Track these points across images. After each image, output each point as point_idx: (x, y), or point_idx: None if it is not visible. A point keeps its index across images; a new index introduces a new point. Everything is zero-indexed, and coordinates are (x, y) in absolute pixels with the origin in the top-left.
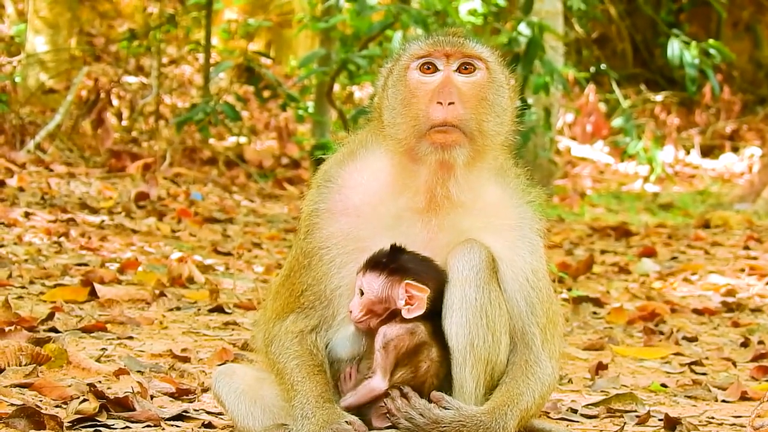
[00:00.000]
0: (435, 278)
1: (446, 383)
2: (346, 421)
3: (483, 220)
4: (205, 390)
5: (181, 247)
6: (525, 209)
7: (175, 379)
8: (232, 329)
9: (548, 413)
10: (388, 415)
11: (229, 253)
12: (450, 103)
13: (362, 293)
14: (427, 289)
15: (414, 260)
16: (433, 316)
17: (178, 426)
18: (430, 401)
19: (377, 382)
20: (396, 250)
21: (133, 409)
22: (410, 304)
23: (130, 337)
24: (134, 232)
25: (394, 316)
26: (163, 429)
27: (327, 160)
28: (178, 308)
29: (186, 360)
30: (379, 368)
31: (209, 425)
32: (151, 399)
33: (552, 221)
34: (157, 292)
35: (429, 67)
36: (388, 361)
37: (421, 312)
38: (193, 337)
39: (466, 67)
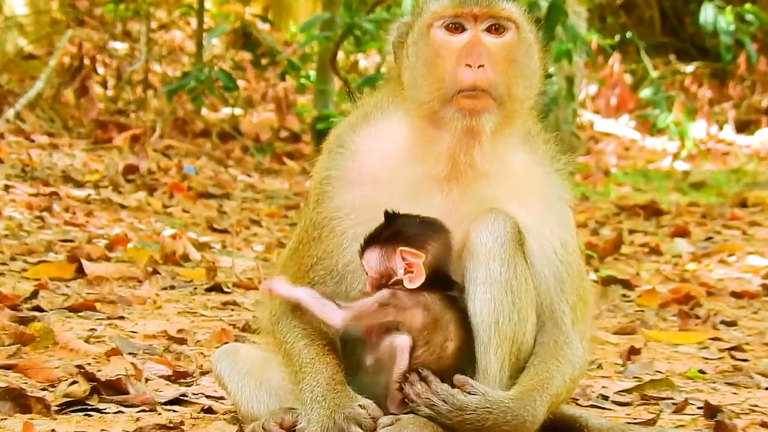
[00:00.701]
0: (435, 241)
1: (469, 368)
2: (360, 405)
3: (508, 189)
4: (204, 373)
5: (174, 224)
6: (553, 178)
7: (172, 362)
8: (232, 309)
9: (577, 400)
10: (406, 401)
11: (225, 231)
12: (480, 66)
13: (366, 272)
14: (422, 254)
15: (410, 224)
16: (449, 287)
17: (175, 411)
18: (452, 385)
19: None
20: (390, 217)
21: (127, 392)
22: (410, 272)
23: (121, 317)
24: (123, 207)
25: (401, 286)
26: (160, 414)
27: (339, 124)
28: (173, 287)
29: (182, 342)
30: (357, 304)
31: (209, 410)
32: (146, 382)
33: (576, 200)
34: (149, 269)
35: (456, 27)
36: (371, 314)
37: (421, 279)
38: (189, 318)
39: (496, 28)
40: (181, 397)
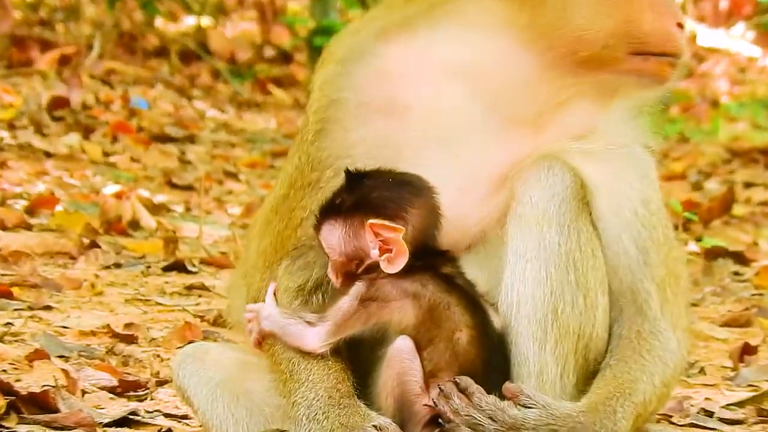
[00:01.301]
0: (417, 207)
1: (499, 376)
2: (375, 426)
3: (569, 130)
4: (161, 383)
5: (120, 178)
6: (631, 113)
7: (117, 368)
8: (199, 296)
9: (670, 417)
10: (440, 419)
11: (190, 188)
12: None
13: (327, 255)
14: (400, 227)
15: (380, 186)
16: (440, 261)
17: None
18: (501, 397)
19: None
20: (352, 179)
21: (56, 410)
22: (387, 252)
23: (48, 307)
24: (48, 155)
25: (377, 272)
26: None
27: (355, 30)
28: (118, 265)
29: (132, 340)
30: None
31: None
32: (83, 396)
33: (671, 141)
34: (85, 241)
35: None
36: (347, 317)
37: (404, 260)
38: (141, 308)
39: None
40: (131, 416)
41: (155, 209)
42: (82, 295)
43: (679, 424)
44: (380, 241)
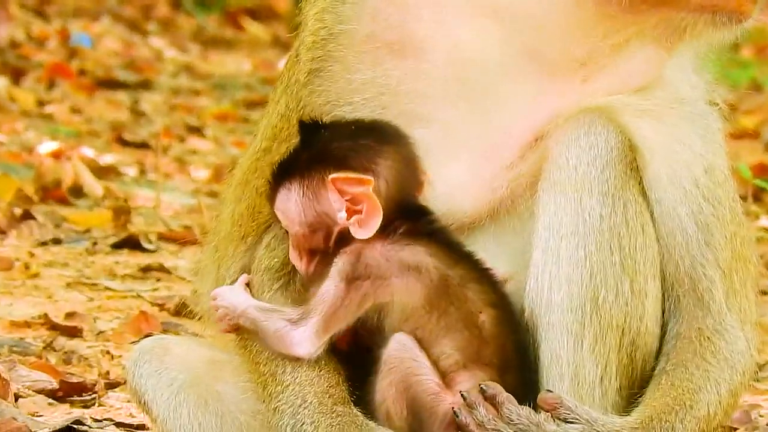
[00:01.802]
0: (387, 156)
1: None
2: None
3: (620, 81)
4: (111, 385)
5: (58, 133)
6: (683, 69)
7: (58, 367)
8: (157, 279)
9: (735, 429)
10: None
11: (145, 145)
12: None
13: (286, 230)
14: (369, 178)
15: (343, 135)
16: (427, 224)
17: None
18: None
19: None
20: (309, 130)
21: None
22: (356, 213)
23: None
24: None
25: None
26: None
27: None
28: (57, 241)
29: (75, 333)
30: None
31: None
32: (16, 400)
33: (741, 90)
34: (17, 212)
35: None
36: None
37: (378, 218)
38: (85, 294)
39: None
40: (75, 426)
41: (102, 172)
42: (14, 278)
43: None
44: (347, 200)
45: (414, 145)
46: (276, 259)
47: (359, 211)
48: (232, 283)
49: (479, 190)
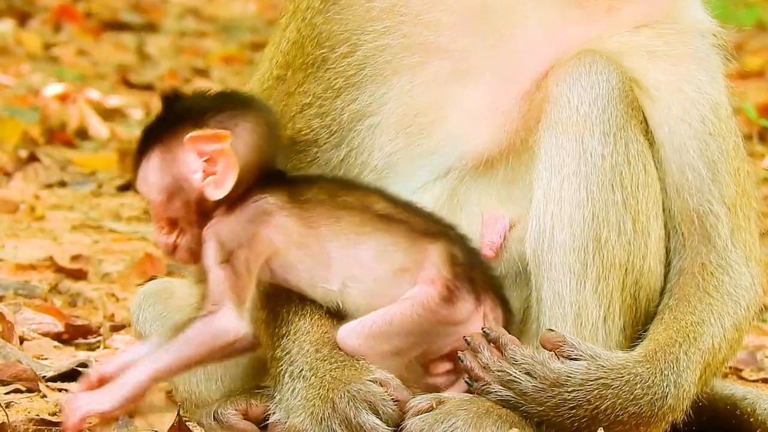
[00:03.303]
0: (245, 118)
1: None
2: (373, 380)
3: (617, 21)
4: (117, 328)
5: (64, 75)
6: (691, 5)
7: (63, 310)
8: None
9: (740, 370)
10: (466, 378)
11: (151, 87)
12: None
13: (149, 205)
14: (225, 134)
15: (201, 99)
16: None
17: (71, 391)
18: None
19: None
20: (170, 99)
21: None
22: (212, 173)
23: None
24: None
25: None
26: (45, 396)
27: None
28: (63, 184)
29: (80, 276)
30: (217, 292)
31: None
32: (21, 343)
33: (746, 30)
34: (23, 154)
35: None
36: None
37: (233, 174)
38: (91, 236)
39: None
40: (80, 369)
41: (108, 114)
42: (19, 221)
43: (751, 379)
44: (204, 161)
45: (272, 114)
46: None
47: (214, 172)
48: None
49: (496, 118)
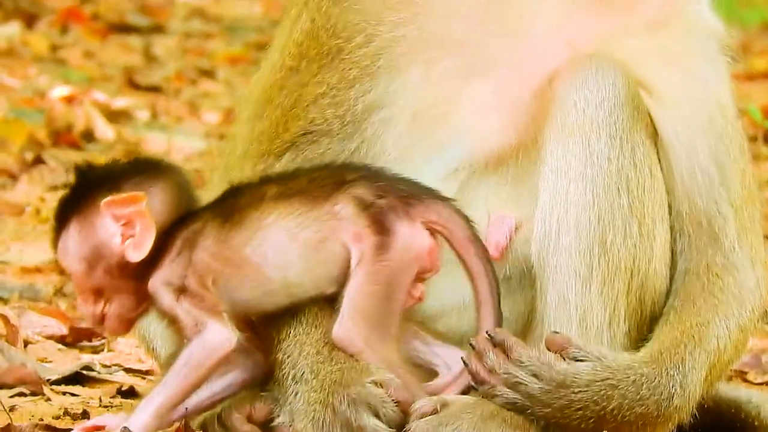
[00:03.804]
0: (159, 179)
1: None
2: (374, 382)
3: (629, 20)
4: None
5: (70, 77)
6: (699, 6)
7: (68, 313)
8: None
9: (745, 373)
10: (472, 382)
11: (156, 89)
12: None
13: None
14: (141, 194)
15: (112, 167)
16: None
17: (75, 395)
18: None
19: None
20: (82, 171)
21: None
22: (130, 236)
23: None
24: None
25: (142, 275)
26: (49, 400)
27: None
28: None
29: None
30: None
31: (130, 392)
32: (26, 347)
33: (751, 31)
34: (29, 156)
35: None
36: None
37: (151, 233)
38: None
39: None
40: (84, 372)
41: (114, 116)
42: (25, 223)
43: (756, 382)
44: (122, 225)
45: (184, 175)
46: None
47: (133, 234)
48: None
49: (508, 113)
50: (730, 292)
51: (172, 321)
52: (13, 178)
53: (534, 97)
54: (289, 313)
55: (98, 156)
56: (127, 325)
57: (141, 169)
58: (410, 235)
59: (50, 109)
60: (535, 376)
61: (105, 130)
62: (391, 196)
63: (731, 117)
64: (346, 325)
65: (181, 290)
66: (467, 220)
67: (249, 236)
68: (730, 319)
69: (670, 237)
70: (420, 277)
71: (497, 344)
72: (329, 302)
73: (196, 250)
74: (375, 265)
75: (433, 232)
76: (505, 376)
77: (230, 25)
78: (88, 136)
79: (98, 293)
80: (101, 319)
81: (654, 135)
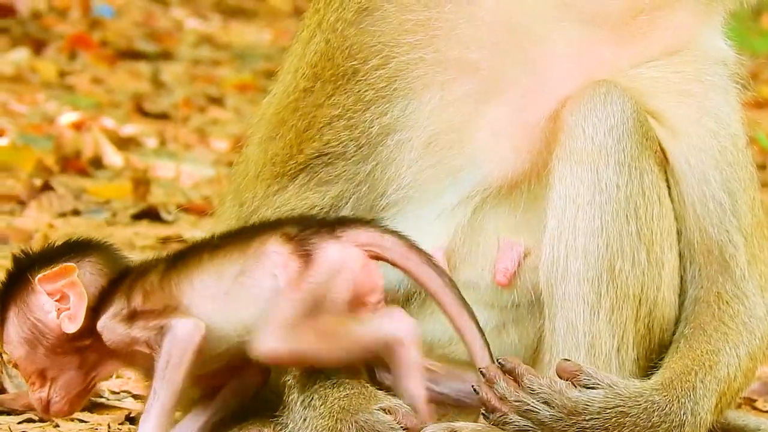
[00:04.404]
0: (88, 255)
1: None
2: (382, 409)
3: (645, 49)
4: None
5: (79, 104)
6: (713, 35)
7: None
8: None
9: (754, 401)
10: (483, 411)
11: (165, 116)
12: None
13: (15, 365)
14: (72, 265)
15: (43, 249)
16: None
17: (84, 421)
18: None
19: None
20: (18, 259)
21: (2, 390)
22: (65, 309)
23: None
24: None
25: (82, 347)
26: (57, 426)
27: None
28: (77, 212)
29: None
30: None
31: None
32: None
33: (760, 59)
34: (37, 183)
35: None
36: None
37: (83, 305)
38: None
39: None
40: (92, 399)
41: (122, 143)
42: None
43: (765, 409)
44: (56, 300)
45: (114, 251)
46: (307, 201)
47: (68, 307)
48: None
49: (521, 138)
50: (740, 320)
51: (131, 354)
52: (22, 204)
53: (548, 121)
54: None
55: (106, 183)
56: (74, 403)
57: (72, 247)
58: (338, 254)
59: (59, 136)
60: (546, 403)
61: (113, 157)
62: (317, 227)
63: (742, 146)
64: (265, 339)
65: (131, 316)
66: (400, 235)
67: (188, 282)
68: (740, 346)
69: (680, 264)
70: (362, 299)
71: (508, 372)
72: None
73: (136, 290)
74: (300, 284)
75: (369, 255)
76: (517, 403)
77: (239, 52)
78: (97, 162)
79: (43, 376)
80: (47, 403)
81: (662, 162)
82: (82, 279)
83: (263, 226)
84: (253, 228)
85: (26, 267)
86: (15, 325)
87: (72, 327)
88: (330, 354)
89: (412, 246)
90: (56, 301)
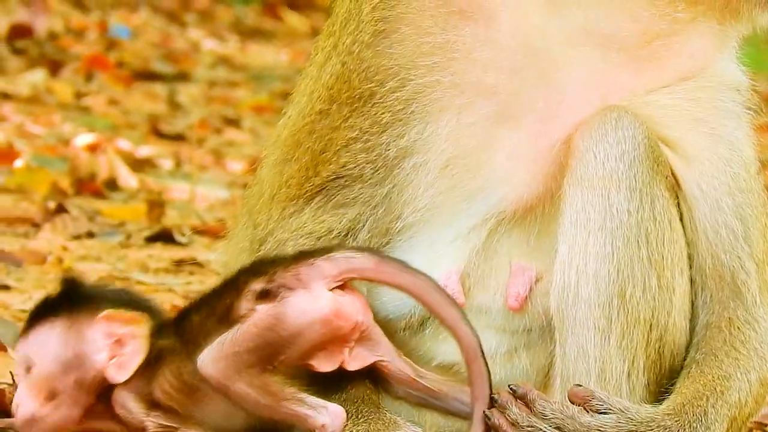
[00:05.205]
0: (154, 311)
1: None
2: None
3: (660, 75)
4: None
5: (94, 125)
6: (727, 60)
7: None
8: (191, 273)
9: (765, 425)
10: None
11: (181, 137)
12: None
13: (29, 369)
14: (141, 318)
15: (109, 288)
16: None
17: None
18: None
19: None
20: (70, 281)
21: (10, 414)
22: (120, 354)
23: (5, 287)
24: (6, 96)
25: (105, 392)
26: None
27: None
28: (91, 234)
29: None
30: None
31: None
32: None
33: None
34: (51, 205)
35: None
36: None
37: (138, 360)
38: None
39: None
40: None
41: (137, 165)
42: (47, 272)
43: None
44: (114, 342)
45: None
46: (323, 225)
47: (123, 353)
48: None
49: (536, 162)
50: (751, 346)
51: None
52: (36, 226)
53: (563, 145)
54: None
55: (121, 205)
56: None
57: (148, 305)
58: (306, 303)
59: (74, 157)
60: (558, 428)
61: (128, 179)
62: (280, 276)
63: (754, 172)
64: (206, 358)
65: (150, 404)
66: (370, 250)
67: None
68: (751, 372)
69: (691, 290)
70: (344, 341)
71: (519, 397)
72: None
73: (159, 377)
74: (258, 320)
75: (344, 285)
76: (529, 429)
77: (256, 74)
78: (112, 184)
79: (52, 396)
80: (34, 421)
81: (673, 187)
82: (146, 334)
83: (231, 287)
84: (223, 296)
85: (96, 297)
86: (57, 340)
87: (119, 377)
88: (254, 406)
89: (387, 258)
90: (112, 343)
